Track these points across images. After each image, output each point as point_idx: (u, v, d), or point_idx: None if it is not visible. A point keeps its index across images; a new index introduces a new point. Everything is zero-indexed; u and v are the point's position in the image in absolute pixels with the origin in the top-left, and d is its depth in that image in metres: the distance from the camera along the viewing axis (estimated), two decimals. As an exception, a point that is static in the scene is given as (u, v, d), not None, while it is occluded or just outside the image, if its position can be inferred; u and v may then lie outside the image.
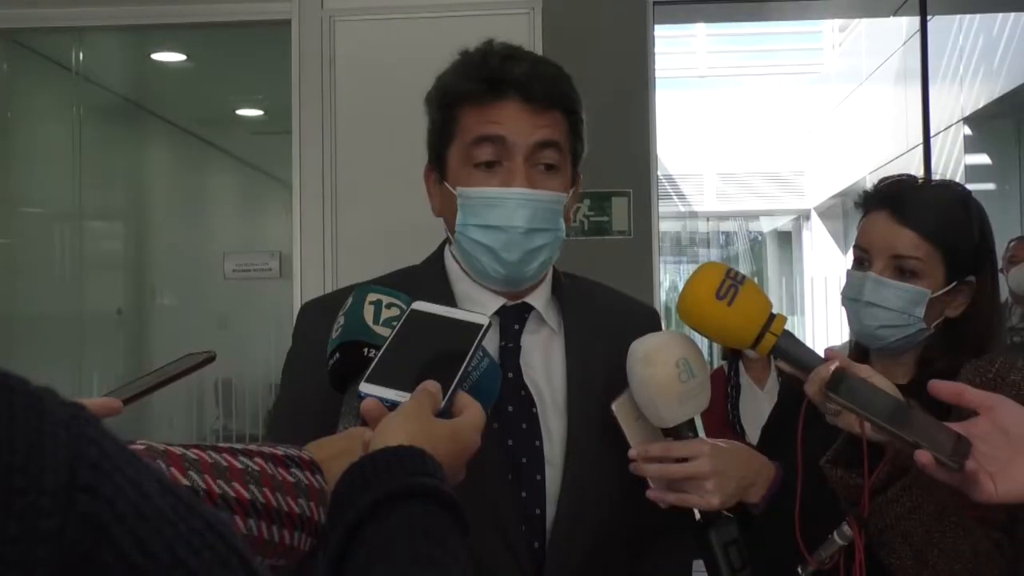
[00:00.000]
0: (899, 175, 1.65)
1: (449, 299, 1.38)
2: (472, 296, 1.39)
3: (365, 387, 0.94)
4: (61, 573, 0.47)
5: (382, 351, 0.98)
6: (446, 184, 1.37)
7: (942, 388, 1.14)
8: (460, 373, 0.95)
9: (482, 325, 1.00)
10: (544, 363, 1.40)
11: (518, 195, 1.31)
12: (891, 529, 1.27)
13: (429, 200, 1.44)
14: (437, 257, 1.46)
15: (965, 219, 1.56)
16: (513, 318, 1.40)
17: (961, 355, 1.50)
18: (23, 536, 0.45)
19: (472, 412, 0.94)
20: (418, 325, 1.01)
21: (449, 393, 0.93)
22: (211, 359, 1.30)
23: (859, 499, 1.27)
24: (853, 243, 1.63)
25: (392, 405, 0.91)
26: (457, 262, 1.42)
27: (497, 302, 1.39)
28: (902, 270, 1.52)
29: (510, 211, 1.31)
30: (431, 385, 0.92)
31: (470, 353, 0.97)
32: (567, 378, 1.39)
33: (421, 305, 1.03)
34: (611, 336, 1.42)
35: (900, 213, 1.54)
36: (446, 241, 1.46)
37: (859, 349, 1.64)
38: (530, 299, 1.41)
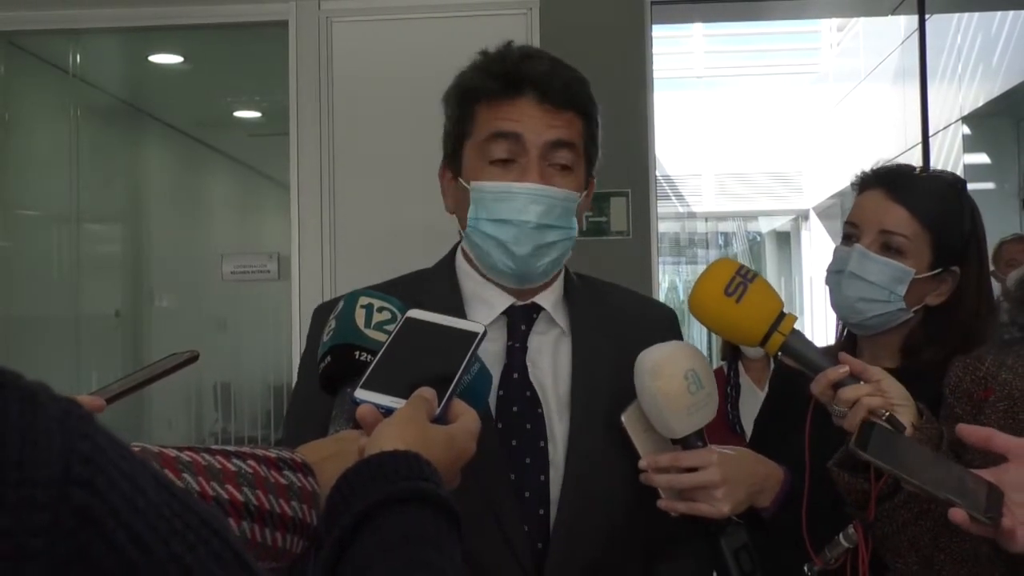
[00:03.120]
0: (897, 163, 1.67)
1: (455, 298, 1.39)
2: (480, 295, 1.40)
3: (360, 393, 0.94)
4: (55, 565, 0.47)
5: (377, 358, 0.98)
6: (460, 180, 1.38)
7: (970, 433, 1.12)
8: (455, 380, 0.95)
9: (477, 333, 1.00)
10: (552, 364, 1.41)
11: (530, 190, 1.32)
12: (898, 534, 1.27)
13: (443, 198, 1.45)
14: (449, 258, 1.47)
15: (957, 207, 1.57)
16: (521, 318, 1.40)
17: (945, 346, 1.51)
18: (17, 528, 0.46)
19: (468, 419, 0.95)
20: (413, 333, 1.01)
21: (444, 400, 0.93)
22: (194, 358, 1.30)
23: (866, 503, 1.26)
24: (844, 221, 1.64)
25: (387, 411, 0.91)
26: (468, 260, 1.43)
27: (506, 301, 1.40)
28: (889, 246, 1.54)
29: (521, 205, 1.32)
30: (426, 391, 0.92)
31: (465, 360, 0.97)
32: (572, 379, 1.39)
33: (416, 313, 1.04)
34: (622, 338, 1.42)
35: (894, 191, 1.56)
36: (460, 241, 1.47)
37: (847, 336, 1.65)
38: (539, 299, 1.42)
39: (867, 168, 1.66)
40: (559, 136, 1.35)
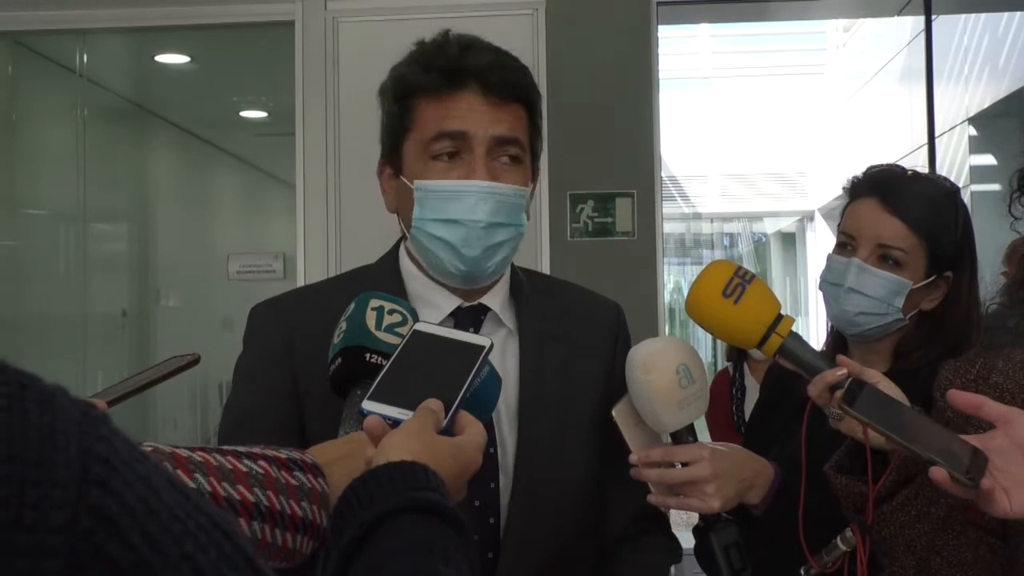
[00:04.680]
0: (886, 164, 1.66)
1: (403, 298, 1.32)
2: (425, 296, 1.35)
3: (368, 404, 0.95)
4: (72, 562, 0.48)
5: (385, 370, 0.99)
6: (402, 178, 1.32)
7: (961, 399, 1.12)
8: (462, 392, 0.96)
9: (484, 347, 1.01)
10: (500, 366, 1.34)
11: (480, 188, 1.26)
12: (895, 538, 1.27)
13: (383, 196, 1.38)
14: (391, 256, 1.42)
15: (952, 214, 1.57)
16: (469, 320, 1.36)
17: (936, 348, 1.52)
18: (36, 526, 0.47)
19: (474, 431, 0.95)
20: (421, 346, 1.02)
21: (451, 412, 0.94)
22: (195, 361, 1.30)
23: (863, 506, 1.26)
24: (838, 228, 1.64)
25: (394, 423, 0.92)
26: (413, 260, 1.38)
27: (452, 303, 1.35)
28: (886, 259, 1.54)
29: (471, 204, 1.26)
30: (433, 403, 0.92)
31: (472, 373, 0.98)
32: (520, 382, 1.36)
33: (423, 326, 1.04)
34: (568, 336, 1.40)
35: (889, 202, 1.55)
36: (401, 239, 1.42)
37: (837, 337, 1.65)
38: (486, 300, 1.37)
39: (859, 173, 1.65)
40: (505, 131, 1.29)
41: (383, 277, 1.37)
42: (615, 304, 1.52)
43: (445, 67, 1.29)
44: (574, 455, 1.35)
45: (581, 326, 1.43)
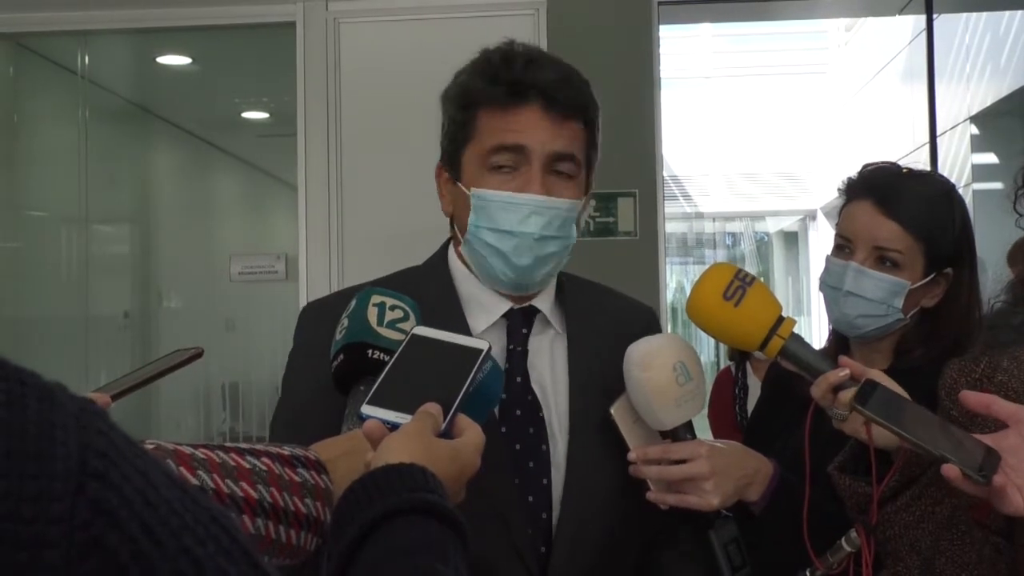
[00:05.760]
0: (882, 162, 1.65)
1: (452, 300, 1.38)
2: (478, 298, 1.39)
3: (367, 409, 0.96)
4: (72, 554, 0.49)
5: (384, 373, 0.99)
6: (459, 184, 1.36)
7: (972, 399, 1.13)
8: (460, 396, 0.96)
9: (482, 350, 1.02)
10: (550, 366, 1.41)
11: (532, 202, 1.30)
12: (899, 538, 1.27)
13: (440, 199, 1.43)
14: (440, 258, 1.45)
15: (948, 212, 1.57)
16: (520, 321, 1.40)
17: (938, 344, 1.52)
18: (36, 518, 0.48)
19: (472, 434, 0.96)
20: (419, 349, 1.03)
21: (449, 415, 0.94)
22: (199, 355, 1.31)
23: (867, 507, 1.26)
24: (835, 229, 1.64)
25: (393, 427, 0.93)
26: (465, 263, 1.41)
27: (504, 305, 1.39)
28: (883, 261, 1.54)
29: (523, 217, 1.30)
30: (432, 407, 0.93)
31: (470, 377, 0.99)
32: (569, 381, 1.39)
33: (422, 330, 1.05)
34: (612, 337, 1.42)
35: (884, 204, 1.55)
36: (449, 241, 1.45)
37: (839, 337, 1.65)
38: (536, 302, 1.41)
39: (854, 174, 1.65)
40: (562, 148, 1.33)
41: (433, 279, 1.41)
42: (648, 308, 1.56)
43: (510, 80, 1.31)
44: (619, 449, 1.37)
45: (617, 329, 1.45)
